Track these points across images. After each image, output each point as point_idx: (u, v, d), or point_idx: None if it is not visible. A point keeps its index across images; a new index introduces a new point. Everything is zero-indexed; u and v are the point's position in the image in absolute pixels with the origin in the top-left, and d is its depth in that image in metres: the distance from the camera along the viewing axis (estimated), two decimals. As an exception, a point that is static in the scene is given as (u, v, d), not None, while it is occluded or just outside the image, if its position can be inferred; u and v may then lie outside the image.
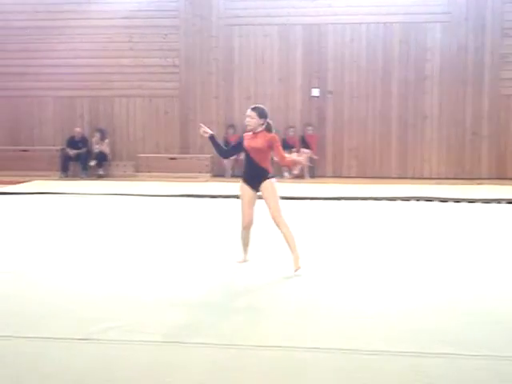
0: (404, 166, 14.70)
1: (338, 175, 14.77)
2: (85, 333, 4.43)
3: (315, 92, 14.74)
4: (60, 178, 14.62)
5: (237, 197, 11.25)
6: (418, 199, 11.23)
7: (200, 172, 14.84)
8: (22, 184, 13.27)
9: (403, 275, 6.08)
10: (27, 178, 14.06)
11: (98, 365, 3.93)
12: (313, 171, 14.71)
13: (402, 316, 4.87)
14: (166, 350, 4.16)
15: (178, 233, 8.26)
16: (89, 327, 4.55)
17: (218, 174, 14.95)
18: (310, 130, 14.65)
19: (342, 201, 11.14)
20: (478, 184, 13.37)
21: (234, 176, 14.63)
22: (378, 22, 14.49)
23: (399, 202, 11.09)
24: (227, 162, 14.70)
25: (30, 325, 4.64)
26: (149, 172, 14.92)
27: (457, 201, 11.08)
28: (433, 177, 14.46)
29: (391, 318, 4.80)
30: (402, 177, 14.50)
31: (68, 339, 4.34)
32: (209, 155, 14.94)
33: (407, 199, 11.24)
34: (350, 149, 14.81)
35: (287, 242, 6.30)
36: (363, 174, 14.74)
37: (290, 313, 4.94)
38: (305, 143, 14.64)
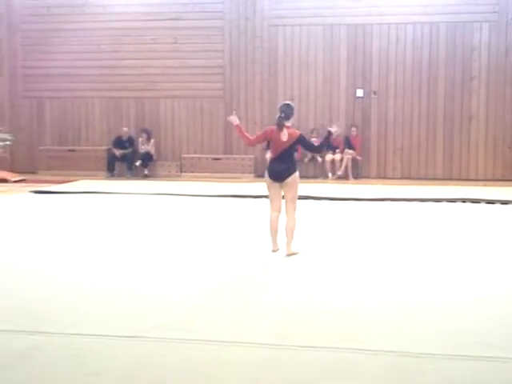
0: (450, 167, 14.52)
1: (382, 176, 14.67)
2: (131, 331, 4.49)
3: (360, 92, 14.66)
4: (106, 178, 14.82)
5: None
6: (464, 201, 11.08)
7: (243, 172, 14.90)
8: (69, 183, 13.50)
9: (441, 275, 6.00)
10: (74, 178, 14.30)
11: (145, 362, 3.98)
12: (357, 172, 14.63)
13: (435, 316, 4.81)
14: (212, 349, 4.19)
15: (219, 232, 8.30)
16: (134, 325, 4.61)
17: (262, 174, 14.93)
18: (354, 131, 14.57)
19: (387, 202, 11.05)
20: (526, 186, 13.12)
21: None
22: (424, 22, 14.34)
23: (445, 203, 10.95)
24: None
25: (74, 322, 4.72)
26: (193, 172, 15.04)
27: (504, 202, 10.89)
28: (479, 178, 14.24)
29: (426, 318, 4.75)
30: (447, 178, 14.32)
31: (114, 337, 4.40)
32: (252, 156, 14.99)
33: (453, 201, 11.09)
34: (394, 150, 14.69)
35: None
36: (408, 176, 14.60)
37: (334, 313, 4.93)
38: (349, 144, 14.57)
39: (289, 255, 6.87)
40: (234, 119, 7.24)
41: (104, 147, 15.48)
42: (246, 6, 14.92)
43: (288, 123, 6.96)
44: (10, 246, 7.47)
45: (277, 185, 7.02)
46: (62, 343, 4.31)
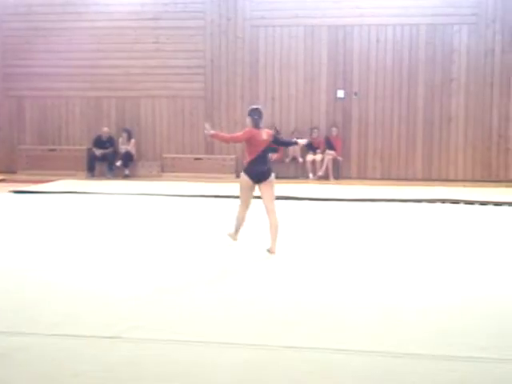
0: (429, 168, 14.63)
1: (362, 177, 14.75)
2: (112, 331, 4.50)
3: (340, 93, 14.73)
4: (87, 178, 14.76)
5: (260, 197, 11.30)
6: (443, 201, 11.19)
7: (224, 173, 14.91)
8: (49, 183, 13.43)
9: (424, 276, 6.07)
10: (54, 178, 14.22)
11: (127, 363, 3.99)
12: (337, 172, 14.70)
13: (429, 317, 4.87)
14: (194, 350, 4.21)
15: (200, 233, 8.31)
16: (115, 326, 4.61)
17: (243, 174, 14.97)
18: (334, 132, 14.64)
19: (367, 202, 11.12)
20: (505, 186, 13.26)
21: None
22: (404, 24, 14.44)
23: (424, 204, 11.05)
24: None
25: (57, 323, 4.71)
26: (174, 172, 15.02)
27: (483, 203, 11.01)
28: (458, 179, 14.38)
29: (419, 320, 4.81)
30: (427, 179, 14.43)
31: (96, 337, 4.40)
32: (234, 156, 15.01)
33: (433, 201, 11.20)
34: (375, 150, 14.78)
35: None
36: (388, 176, 14.70)
37: (317, 313, 4.96)
38: (330, 144, 14.63)
39: (272, 253, 7.09)
40: (207, 130, 7.35)
41: (84, 147, 15.42)
42: (227, 6, 14.93)
43: (261, 125, 7.39)
44: (-10, 246, 7.43)
45: (253, 185, 7.28)
46: (44, 344, 4.31)
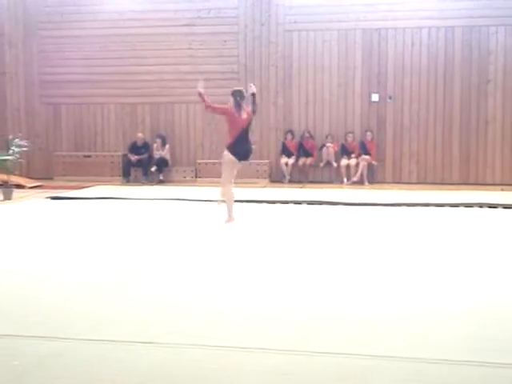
0: (466, 172, 14.43)
1: (397, 181, 14.60)
2: (146, 336, 4.49)
3: (375, 97, 14.61)
4: (122, 184, 14.87)
5: (295, 202, 11.27)
6: (481, 206, 11.00)
7: (258, 177, 14.89)
8: (85, 189, 13.55)
9: (455, 281, 5.95)
10: (90, 184, 14.36)
11: (162, 368, 3.98)
12: (372, 177, 14.58)
13: (458, 322, 4.77)
14: (226, 355, 4.18)
15: (234, 238, 8.29)
16: (149, 331, 4.61)
17: (276, 179, 14.96)
18: (369, 136, 14.52)
19: (403, 207, 10.99)
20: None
21: (291, 181, 14.66)
22: (439, 26, 14.28)
23: (462, 208, 10.88)
24: (285, 168, 14.74)
25: (91, 328, 4.72)
26: (208, 177, 15.04)
27: (521, 207, 10.80)
28: (496, 183, 14.15)
29: (441, 324, 4.71)
30: (464, 183, 14.22)
31: (130, 342, 4.40)
32: (267, 161, 14.98)
33: (470, 206, 11.01)
34: (410, 154, 14.63)
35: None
36: (424, 180, 14.54)
37: (349, 319, 4.90)
38: (364, 149, 14.52)
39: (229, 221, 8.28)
40: (200, 86, 8.25)
41: (119, 153, 15.54)
42: (260, 11, 14.93)
43: (244, 105, 8.09)
44: (28, 252, 7.50)
45: (237, 163, 8.12)
46: (79, 349, 4.32)
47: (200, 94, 8.18)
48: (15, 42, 15.94)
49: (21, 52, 15.95)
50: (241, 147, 7.87)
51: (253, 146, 8.29)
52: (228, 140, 8.07)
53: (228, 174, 8.05)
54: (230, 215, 8.23)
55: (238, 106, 7.98)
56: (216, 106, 8.54)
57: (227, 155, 7.93)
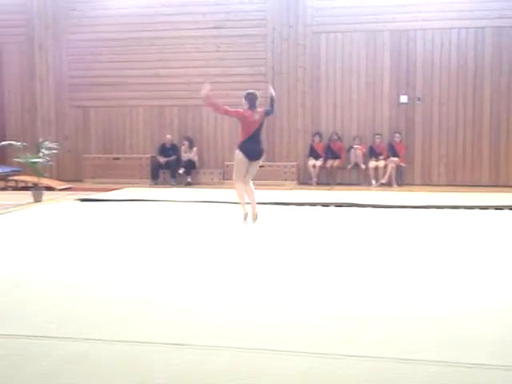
0: (496, 174, 14.27)
1: (426, 183, 14.49)
2: (176, 338, 4.50)
3: (403, 99, 14.52)
4: (150, 186, 14.96)
5: (323, 205, 11.24)
6: (511, 208, 10.86)
7: (286, 180, 14.87)
8: (114, 191, 13.65)
9: (484, 283, 5.88)
10: (119, 186, 14.47)
11: (191, 370, 3.98)
12: (401, 179, 14.48)
13: (490, 326, 4.71)
14: (256, 357, 4.17)
15: (261, 240, 8.28)
16: (179, 333, 4.61)
17: (304, 181, 14.93)
18: (397, 138, 14.43)
19: (432, 209, 10.90)
20: None
21: (319, 184, 14.62)
22: (469, 27, 14.15)
23: (492, 210, 10.75)
24: (313, 170, 14.70)
25: (121, 329, 4.75)
26: (236, 180, 15.05)
27: (553, 210, 10.64)
28: (527, 185, 13.98)
29: (467, 327, 4.65)
30: (494, 185, 14.07)
31: (161, 344, 4.41)
32: (295, 163, 14.96)
33: (500, 208, 10.89)
34: (439, 156, 14.51)
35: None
36: (453, 182, 14.40)
37: (371, 321, 4.86)
38: (393, 151, 14.43)
39: (255, 215, 8.63)
40: (205, 88, 8.59)
41: (148, 155, 15.63)
42: (288, 13, 14.92)
43: (257, 108, 8.43)
44: (57, 253, 7.57)
45: (248, 163, 8.44)
46: (108, 350, 4.33)
47: (207, 98, 8.49)
48: (45, 46, 16.12)
49: (50, 56, 16.14)
50: (252, 147, 8.23)
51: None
52: (240, 139, 8.41)
53: (239, 173, 8.40)
54: (244, 208, 8.64)
55: (251, 107, 8.32)
56: (228, 108, 8.90)
57: (238, 154, 8.31)
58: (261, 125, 8.38)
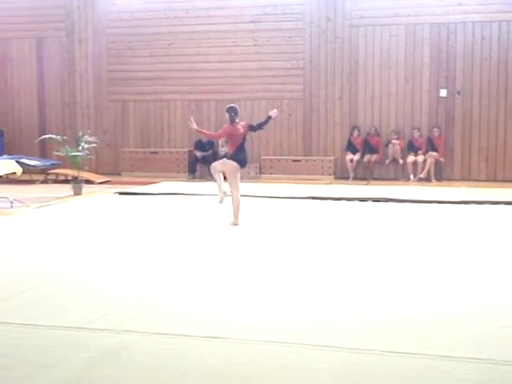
0: (538, 169, 14.02)
1: (466, 178, 14.30)
2: (215, 331, 4.51)
3: (443, 92, 14.34)
4: (188, 180, 15.03)
5: (360, 200, 11.17)
6: (553, 204, 10.67)
7: (323, 174, 14.81)
8: (151, 185, 13.75)
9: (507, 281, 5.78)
10: (157, 179, 14.57)
11: (230, 364, 3.99)
12: (440, 174, 14.31)
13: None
14: (296, 351, 4.16)
15: (299, 235, 8.26)
16: (218, 326, 4.63)
17: (341, 176, 14.85)
18: (436, 132, 14.26)
19: (471, 205, 10.75)
20: None
21: (356, 178, 14.53)
22: (510, 20, 13.90)
23: (533, 206, 10.57)
24: (350, 165, 14.62)
25: (160, 322, 4.78)
26: (272, 174, 15.06)
27: None
28: None
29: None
30: (535, 180, 13.83)
31: (198, 337, 4.43)
32: (332, 157, 14.89)
33: (542, 204, 10.69)
34: (479, 151, 14.30)
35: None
36: (494, 178, 14.19)
37: (411, 318, 4.81)
38: (432, 145, 14.26)
39: (235, 224, 8.83)
40: (192, 124, 9.25)
41: (185, 149, 15.70)
42: (326, 6, 14.83)
43: (237, 120, 8.90)
44: (95, 246, 7.66)
45: (239, 170, 8.88)
46: (148, 342, 4.37)
47: (198, 131, 9.41)
48: (84, 40, 16.29)
49: (90, 50, 16.30)
50: (241, 156, 8.85)
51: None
52: (229, 151, 9.00)
53: (236, 181, 8.91)
54: (236, 219, 8.90)
55: (233, 121, 8.84)
56: (217, 134, 9.99)
57: (230, 163, 8.83)
58: (245, 137, 8.99)
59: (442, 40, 14.30)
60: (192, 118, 9.63)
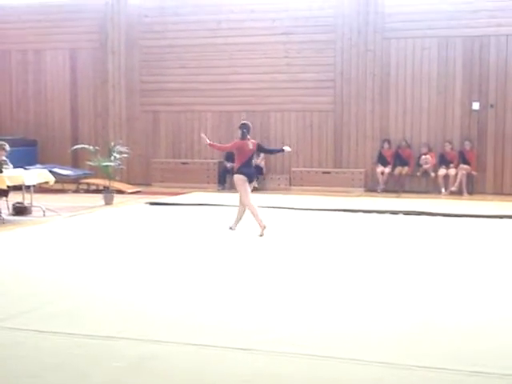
0: None
1: (499, 192, 14.12)
2: (247, 343, 4.50)
3: (475, 105, 14.20)
4: (217, 191, 15.06)
5: (391, 212, 11.07)
6: None
7: (353, 186, 14.75)
8: (181, 195, 13.81)
9: None
10: (187, 190, 14.63)
11: (262, 375, 3.98)
12: (472, 188, 14.16)
13: None
14: (326, 364, 4.14)
15: (330, 247, 8.23)
16: (250, 338, 4.62)
17: (372, 188, 14.77)
18: (467, 145, 14.11)
19: (504, 219, 10.61)
20: None
21: (386, 191, 14.43)
22: (545, 32, 13.76)
23: None
24: (381, 177, 14.53)
25: (191, 332, 4.79)
26: (302, 186, 15.03)
27: None
28: None
29: None
30: None
31: (228, 348, 4.42)
32: (363, 169, 14.82)
33: None
34: (512, 164, 14.12)
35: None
36: (526, 192, 14.00)
37: (444, 332, 4.75)
38: (463, 158, 14.12)
39: (233, 229, 9.31)
40: (204, 139, 9.74)
41: (215, 160, 15.75)
42: (358, 19, 14.81)
43: (248, 136, 9.37)
44: (125, 254, 7.70)
45: (247, 183, 9.24)
46: (175, 353, 4.37)
47: (210, 145, 9.81)
48: (117, 52, 16.46)
49: (123, 61, 16.46)
50: (247, 170, 9.27)
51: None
52: (236, 165, 9.43)
53: (246, 193, 9.19)
54: (261, 223, 9.08)
55: (244, 137, 9.30)
56: (227, 146, 10.36)
57: (238, 176, 9.24)
58: (253, 153, 9.50)
59: (474, 53, 14.18)
60: (203, 135, 10.25)
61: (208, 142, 9.72)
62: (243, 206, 9.36)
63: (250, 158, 9.42)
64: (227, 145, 10.52)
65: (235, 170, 9.49)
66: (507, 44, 13.97)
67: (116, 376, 3.98)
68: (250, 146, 9.36)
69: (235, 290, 6.03)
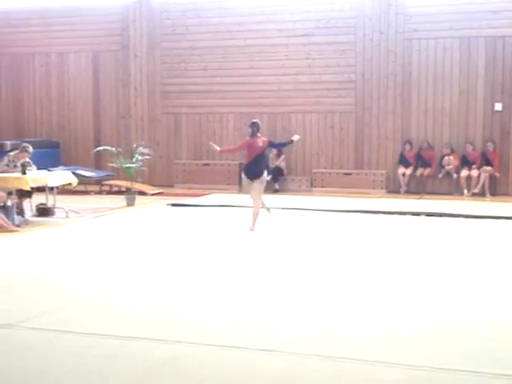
0: None
1: (522, 193, 14.01)
2: (268, 344, 4.52)
3: (498, 106, 14.10)
4: (238, 192, 15.08)
5: (413, 214, 11.03)
6: None
7: (374, 188, 14.71)
8: (203, 197, 13.87)
9: None
10: (208, 191, 14.68)
11: (284, 377, 3.99)
12: (494, 189, 14.06)
13: None
14: (344, 366, 4.14)
15: (351, 249, 8.22)
16: (272, 338, 4.64)
17: (393, 190, 14.72)
18: (490, 146, 14.01)
19: (527, 221, 10.52)
20: None
21: (408, 192, 14.37)
22: None
23: None
24: (403, 179, 14.48)
25: (214, 333, 4.81)
26: (323, 187, 15.02)
27: None
28: None
29: None
30: None
31: (250, 349, 4.45)
32: (384, 171, 14.78)
33: None
34: (535, 166, 14.00)
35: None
36: (550, 193, 13.87)
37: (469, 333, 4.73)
38: (486, 160, 14.02)
39: (251, 231, 9.34)
40: (214, 147, 10.14)
41: (237, 162, 15.78)
42: (379, 20, 14.77)
43: (259, 134, 9.57)
44: (146, 256, 7.76)
45: (251, 182, 9.37)
46: (200, 354, 4.40)
47: (222, 151, 10.47)
48: (139, 54, 16.57)
49: (145, 63, 16.56)
50: (252, 169, 9.42)
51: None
52: (245, 161, 9.68)
53: (254, 191, 9.41)
54: (251, 226, 9.40)
55: (254, 135, 9.49)
56: (238, 146, 10.62)
57: (243, 177, 9.60)
58: (263, 151, 9.61)
59: (497, 53, 14.08)
60: (212, 143, 10.75)
61: (218, 149, 10.09)
62: (256, 207, 9.53)
63: (258, 156, 9.52)
64: (238, 144, 10.86)
65: (243, 166, 9.81)
66: (530, 44, 13.86)
67: (137, 376, 4.02)
68: (260, 144, 9.54)
69: (254, 291, 6.05)
